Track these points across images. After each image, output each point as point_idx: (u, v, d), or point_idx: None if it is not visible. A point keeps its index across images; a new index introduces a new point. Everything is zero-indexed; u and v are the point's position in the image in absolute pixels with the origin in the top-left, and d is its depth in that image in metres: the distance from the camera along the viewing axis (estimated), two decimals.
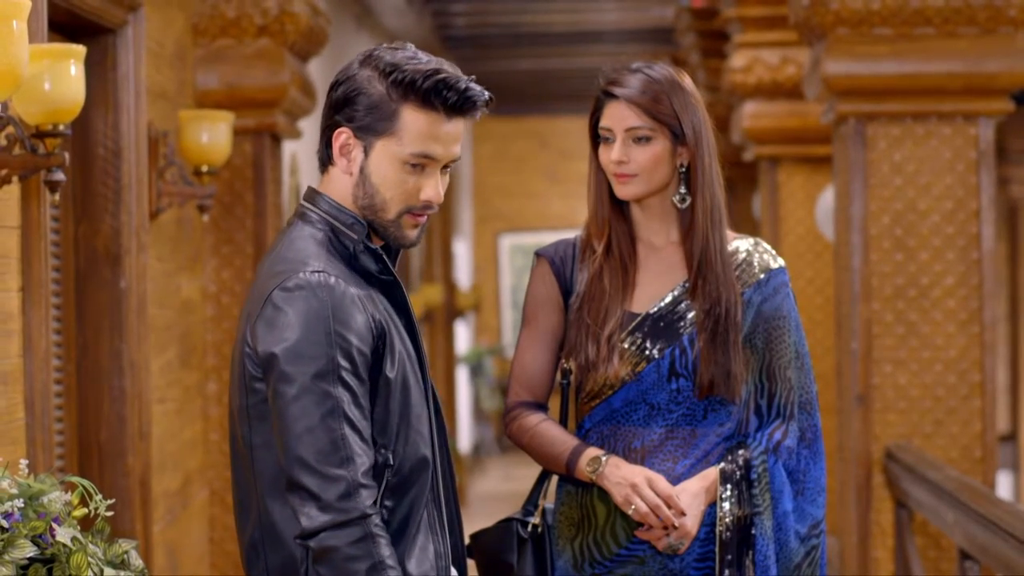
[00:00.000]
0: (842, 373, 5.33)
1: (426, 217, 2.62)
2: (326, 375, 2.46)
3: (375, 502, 2.48)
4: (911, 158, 5.19)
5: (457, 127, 2.61)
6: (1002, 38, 5.11)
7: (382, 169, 2.58)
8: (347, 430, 2.46)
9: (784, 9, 5.79)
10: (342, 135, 2.60)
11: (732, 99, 7.57)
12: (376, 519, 2.46)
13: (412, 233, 2.62)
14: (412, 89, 2.56)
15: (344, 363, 2.48)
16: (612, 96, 3.11)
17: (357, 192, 2.60)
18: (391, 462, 2.55)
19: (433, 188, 2.59)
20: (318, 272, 2.51)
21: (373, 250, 2.61)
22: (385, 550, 2.46)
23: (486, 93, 2.63)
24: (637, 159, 3.10)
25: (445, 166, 2.62)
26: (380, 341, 2.53)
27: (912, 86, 5.16)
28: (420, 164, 2.58)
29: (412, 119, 2.56)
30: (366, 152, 2.59)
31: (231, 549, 5.37)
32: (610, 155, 3.11)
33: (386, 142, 2.57)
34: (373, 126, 2.57)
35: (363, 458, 2.47)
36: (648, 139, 3.10)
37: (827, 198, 6.91)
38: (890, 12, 5.10)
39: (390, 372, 2.55)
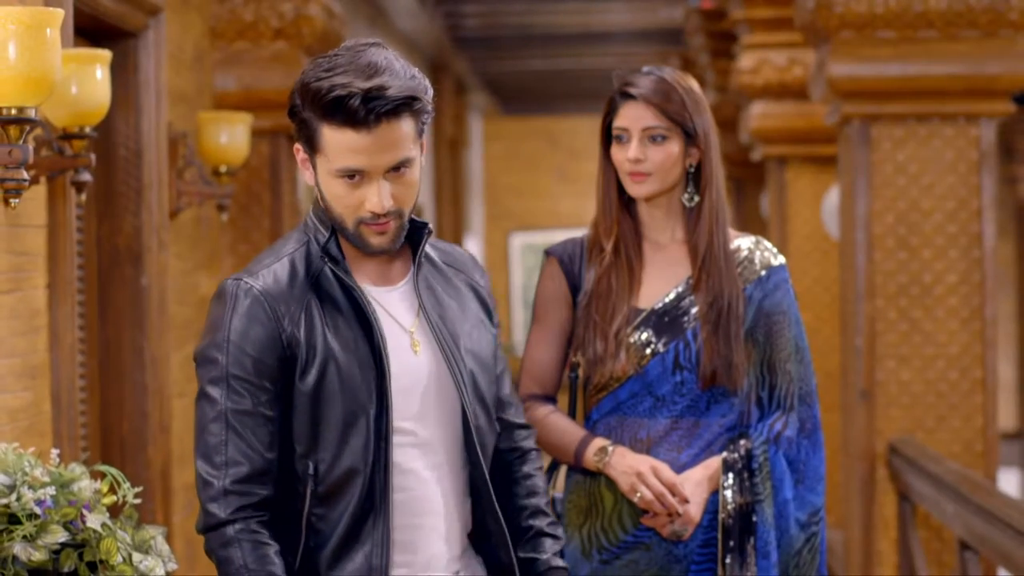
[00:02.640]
0: (846, 369, 5.41)
1: (389, 223, 2.55)
2: (218, 381, 2.51)
3: (253, 506, 2.51)
4: (914, 158, 5.28)
5: (380, 136, 2.50)
6: (1003, 41, 5.19)
7: (326, 185, 2.55)
8: (228, 435, 2.51)
9: (791, 11, 5.88)
10: (298, 152, 2.59)
11: (740, 99, 7.64)
12: (246, 524, 2.50)
13: (376, 240, 2.57)
14: (318, 107, 2.50)
15: (235, 370, 2.51)
16: (629, 97, 3.21)
17: (323, 204, 2.60)
18: (311, 471, 2.55)
19: (374, 198, 2.52)
20: (239, 280, 2.55)
21: (319, 257, 2.59)
22: (248, 556, 2.49)
23: (398, 98, 2.49)
24: (653, 158, 3.21)
25: (396, 168, 2.53)
26: (293, 350, 2.53)
27: (915, 88, 5.24)
28: (355, 176, 2.52)
29: (330, 136, 2.50)
30: (314, 168, 2.57)
31: None
32: (626, 154, 3.21)
33: (320, 159, 2.54)
34: (308, 144, 2.55)
35: (241, 465, 2.50)
36: (664, 138, 3.21)
37: (832, 197, 6.98)
38: (893, 15, 5.18)
39: (301, 383, 2.53)
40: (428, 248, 2.70)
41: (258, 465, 2.52)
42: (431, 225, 2.67)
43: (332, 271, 2.58)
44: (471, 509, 2.69)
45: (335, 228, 2.60)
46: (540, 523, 2.76)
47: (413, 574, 2.61)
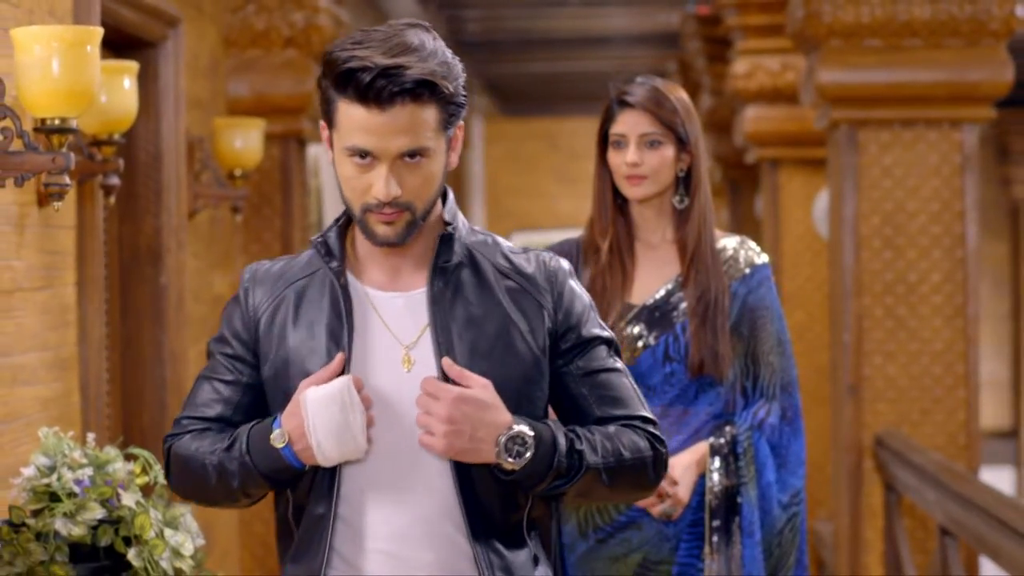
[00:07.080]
0: (835, 365, 5.56)
1: (396, 214, 2.36)
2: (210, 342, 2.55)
3: (180, 434, 2.46)
4: (900, 162, 5.44)
5: (393, 117, 2.32)
6: (985, 49, 5.35)
7: (339, 164, 2.39)
8: (197, 385, 2.51)
9: (784, 18, 6.03)
10: (324, 130, 2.44)
11: (735, 103, 7.77)
12: (177, 438, 2.47)
13: (382, 231, 2.38)
14: (334, 78, 2.34)
15: (215, 343, 2.51)
16: (626, 104, 3.41)
17: (338, 185, 2.44)
18: None
19: (380, 183, 2.34)
20: (250, 264, 2.54)
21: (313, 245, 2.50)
22: (190, 444, 2.44)
23: (415, 79, 2.31)
24: (649, 162, 3.41)
25: (410, 156, 2.34)
26: (257, 338, 2.47)
27: (900, 94, 5.39)
28: (365, 157, 2.35)
29: (343, 110, 2.35)
30: (331, 146, 2.42)
31: (259, 530, 5.66)
32: (624, 158, 3.41)
33: (335, 135, 2.38)
34: (326, 117, 2.40)
35: (195, 407, 2.47)
36: (660, 143, 3.41)
37: (822, 199, 7.14)
38: (880, 24, 5.34)
39: (265, 370, 2.46)
40: (482, 255, 2.51)
41: (203, 414, 2.48)
42: (463, 227, 2.51)
43: (325, 266, 2.45)
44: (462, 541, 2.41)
45: (348, 218, 2.46)
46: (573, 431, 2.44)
47: None
